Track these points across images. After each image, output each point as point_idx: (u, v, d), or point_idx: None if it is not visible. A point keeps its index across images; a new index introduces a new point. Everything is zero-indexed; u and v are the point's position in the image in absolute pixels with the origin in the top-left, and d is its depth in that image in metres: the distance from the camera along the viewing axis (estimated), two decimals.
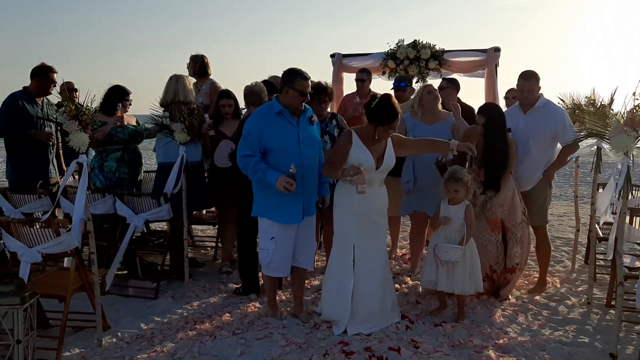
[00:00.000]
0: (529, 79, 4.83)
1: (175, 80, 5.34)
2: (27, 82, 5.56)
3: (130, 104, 5.56)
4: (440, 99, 5.30)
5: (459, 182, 4.20)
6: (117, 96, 5.38)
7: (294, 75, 4.06)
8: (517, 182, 4.86)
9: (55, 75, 5.55)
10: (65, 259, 4.48)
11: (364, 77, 6.51)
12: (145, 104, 5.55)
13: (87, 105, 3.78)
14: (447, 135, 5.00)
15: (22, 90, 5.53)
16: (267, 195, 4.07)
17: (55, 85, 5.58)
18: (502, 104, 6.43)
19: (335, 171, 4.03)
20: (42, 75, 5.50)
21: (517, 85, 4.94)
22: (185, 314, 4.51)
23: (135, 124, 5.54)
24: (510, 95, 6.04)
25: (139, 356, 3.73)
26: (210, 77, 6.37)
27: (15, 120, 5.37)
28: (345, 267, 4.12)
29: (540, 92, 4.90)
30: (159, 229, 6.72)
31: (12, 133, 5.45)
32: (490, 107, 4.82)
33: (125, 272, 5.36)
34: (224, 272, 5.47)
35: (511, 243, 4.68)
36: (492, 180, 4.60)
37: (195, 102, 5.50)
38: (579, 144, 4.76)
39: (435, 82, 6.40)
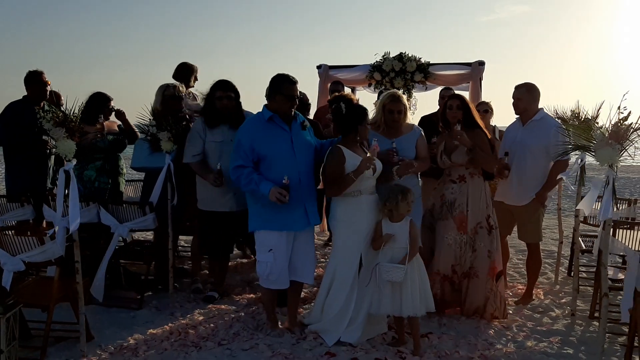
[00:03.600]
0: (519, 87, 4.98)
1: (160, 89, 5.36)
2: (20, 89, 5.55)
3: (109, 114, 5.45)
4: (406, 112, 4.63)
5: (409, 194, 3.97)
6: (99, 104, 5.33)
7: (281, 81, 4.07)
8: (514, 195, 4.94)
9: (45, 76, 5.52)
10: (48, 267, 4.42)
11: (338, 89, 6.49)
12: (134, 113, 5.53)
13: (74, 113, 3.74)
14: (410, 150, 4.52)
15: (21, 100, 5.51)
16: (264, 206, 4.03)
17: (48, 86, 5.52)
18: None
19: (341, 185, 3.99)
20: (33, 81, 5.47)
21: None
22: (169, 324, 4.46)
23: (117, 130, 5.50)
24: (481, 108, 6.03)
25: None
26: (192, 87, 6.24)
27: (11, 130, 5.34)
28: (353, 278, 4.06)
29: (539, 106, 5.01)
30: (142, 238, 6.66)
31: (8, 143, 5.43)
32: (459, 94, 4.96)
33: (109, 282, 5.28)
34: (210, 282, 5.42)
35: (468, 246, 4.59)
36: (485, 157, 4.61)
37: (184, 110, 5.44)
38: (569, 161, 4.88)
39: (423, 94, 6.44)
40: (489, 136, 4.72)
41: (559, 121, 5.03)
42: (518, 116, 5.10)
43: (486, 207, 4.63)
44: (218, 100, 4.77)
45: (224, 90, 4.77)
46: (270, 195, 3.87)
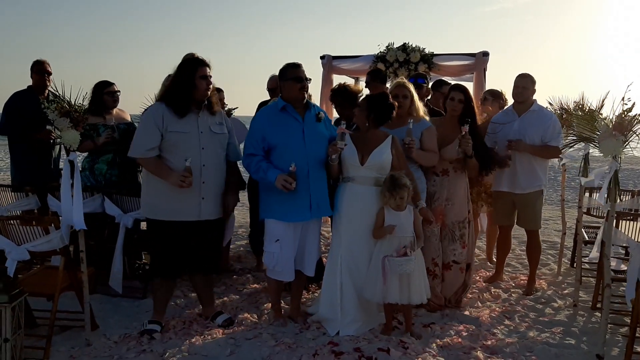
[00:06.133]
0: (524, 76, 5.02)
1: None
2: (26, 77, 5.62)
3: (115, 96, 5.22)
4: (412, 100, 4.52)
5: (404, 187, 3.94)
6: (100, 91, 5.13)
7: (285, 68, 4.09)
8: (518, 184, 4.98)
9: (47, 65, 5.54)
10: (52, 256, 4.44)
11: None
12: (137, 102, 5.43)
13: (80, 103, 3.75)
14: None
15: (25, 89, 5.55)
16: (271, 195, 4.05)
17: (50, 75, 5.53)
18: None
19: (332, 168, 4.15)
20: (35, 70, 5.51)
21: (514, 82, 5.06)
22: (173, 314, 4.48)
23: (129, 120, 5.44)
24: (485, 96, 5.99)
25: (127, 356, 3.71)
26: None
27: (15, 119, 5.36)
28: (336, 265, 4.15)
29: (534, 97, 5.06)
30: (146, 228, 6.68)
31: (12, 132, 5.46)
32: (463, 86, 4.79)
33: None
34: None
35: (447, 240, 4.59)
36: (485, 155, 4.60)
37: None
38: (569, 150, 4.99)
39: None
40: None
41: (562, 112, 5.07)
42: (511, 106, 5.16)
43: (467, 202, 4.69)
44: (202, 80, 3.94)
45: (206, 67, 3.99)
46: (276, 182, 3.88)
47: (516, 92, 5.02)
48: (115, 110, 5.30)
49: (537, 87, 5.02)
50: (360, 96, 5.06)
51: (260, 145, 4.03)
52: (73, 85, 3.75)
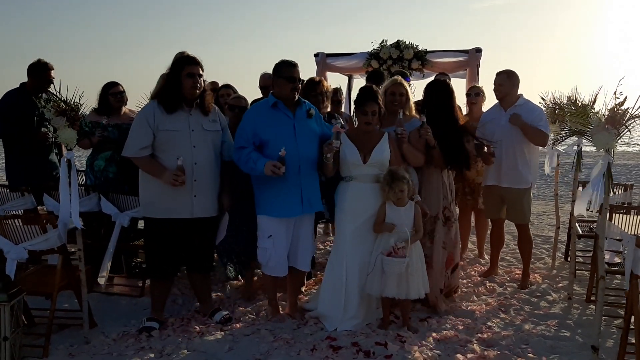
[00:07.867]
0: (499, 74, 5.12)
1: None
2: (24, 77, 5.49)
3: (119, 97, 5.24)
4: (408, 98, 4.55)
5: (403, 180, 3.96)
6: (106, 91, 5.22)
7: (279, 65, 4.10)
8: (501, 177, 5.03)
9: (52, 72, 5.44)
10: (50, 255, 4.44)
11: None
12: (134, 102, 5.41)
13: (75, 102, 3.76)
14: None
15: (18, 88, 5.48)
16: (264, 190, 4.08)
17: (52, 84, 5.40)
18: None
19: (321, 168, 4.17)
20: (38, 73, 5.42)
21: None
22: (171, 311, 4.50)
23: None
24: (472, 92, 5.95)
25: (126, 353, 3.72)
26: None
27: (9, 119, 5.33)
28: (341, 263, 4.15)
29: (519, 92, 5.13)
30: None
31: (6, 133, 5.42)
32: (430, 84, 4.77)
33: (110, 270, 5.30)
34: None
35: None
36: (451, 156, 4.47)
37: None
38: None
39: (420, 82, 6.42)
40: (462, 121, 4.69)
41: (555, 107, 5.13)
42: (498, 102, 5.21)
43: (442, 199, 4.56)
44: (188, 79, 3.95)
45: (194, 66, 3.99)
46: (265, 170, 3.86)
47: (494, 89, 5.14)
48: (125, 110, 5.33)
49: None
50: (323, 87, 4.93)
51: (251, 140, 4.03)
52: (81, 86, 3.81)
